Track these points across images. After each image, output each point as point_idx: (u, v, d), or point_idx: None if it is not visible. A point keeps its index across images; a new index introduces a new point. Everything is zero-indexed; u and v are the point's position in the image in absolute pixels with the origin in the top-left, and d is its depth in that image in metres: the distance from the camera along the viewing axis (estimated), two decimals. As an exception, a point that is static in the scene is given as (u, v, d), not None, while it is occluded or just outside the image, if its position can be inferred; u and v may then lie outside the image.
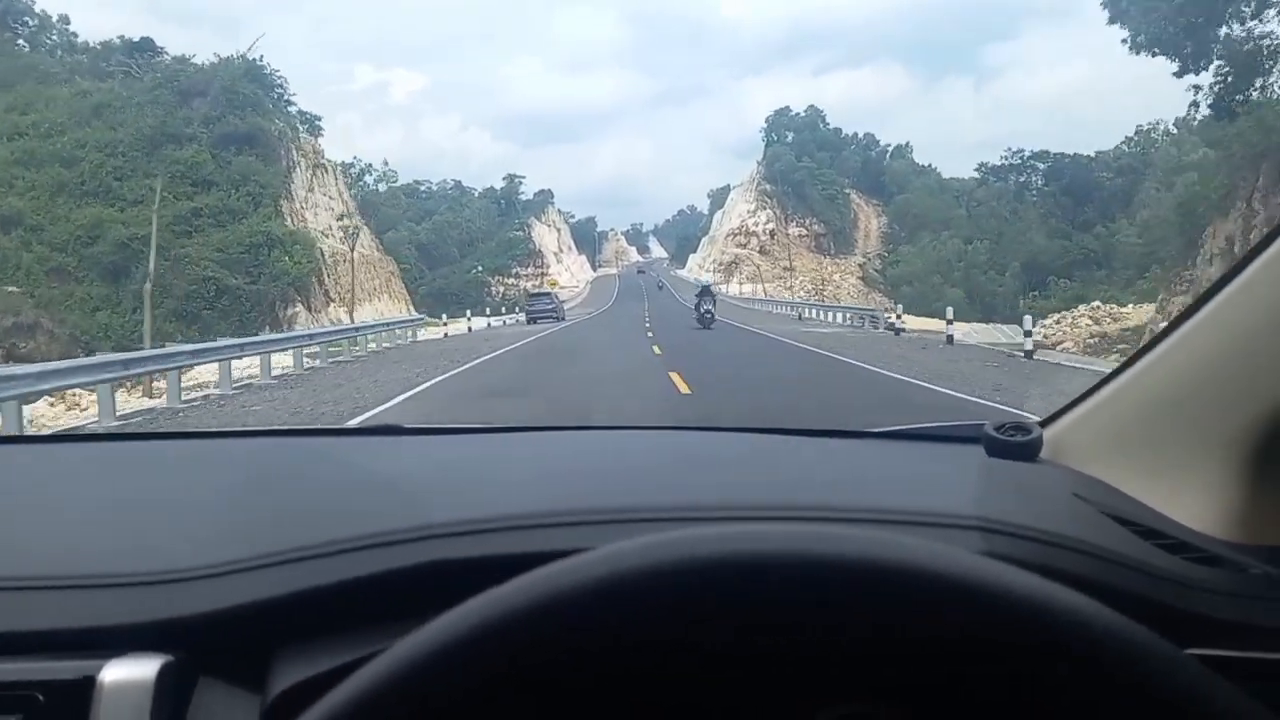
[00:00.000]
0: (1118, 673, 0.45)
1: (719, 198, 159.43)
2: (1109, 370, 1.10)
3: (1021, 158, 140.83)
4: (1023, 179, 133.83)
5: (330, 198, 47.40)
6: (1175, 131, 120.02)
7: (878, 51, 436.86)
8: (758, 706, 0.48)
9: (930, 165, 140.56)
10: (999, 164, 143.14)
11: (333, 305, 38.66)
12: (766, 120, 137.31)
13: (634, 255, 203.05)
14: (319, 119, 69.02)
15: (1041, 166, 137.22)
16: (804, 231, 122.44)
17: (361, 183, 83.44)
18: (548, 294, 53.04)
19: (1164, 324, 0.98)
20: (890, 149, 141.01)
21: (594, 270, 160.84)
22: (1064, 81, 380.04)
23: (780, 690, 0.48)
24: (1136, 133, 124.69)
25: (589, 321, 47.47)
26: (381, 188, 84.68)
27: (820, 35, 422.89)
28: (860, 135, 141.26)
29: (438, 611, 0.46)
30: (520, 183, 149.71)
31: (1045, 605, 0.46)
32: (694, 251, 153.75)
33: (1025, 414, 1.09)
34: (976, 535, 0.82)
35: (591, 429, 1.59)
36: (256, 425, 10.15)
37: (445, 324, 39.24)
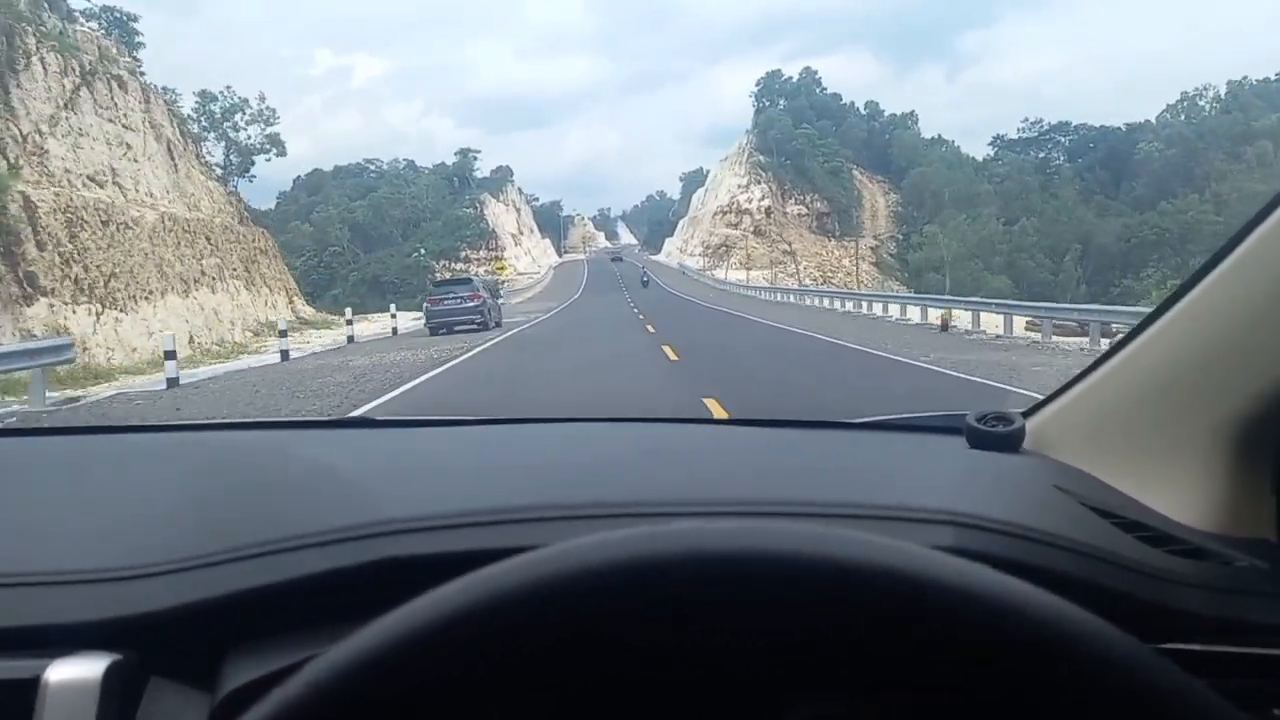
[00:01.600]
0: (1071, 667, 0.44)
1: (692, 181, 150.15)
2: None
3: (1040, 129, 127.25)
4: (1042, 154, 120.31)
5: (128, 127, 29.19)
6: (1226, 97, 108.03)
7: (846, 39, 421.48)
8: (709, 710, 0.47)
9: (939, 136, 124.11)
10: (1015, 137, 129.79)
11: (51, 300, 20.28)
12: (757, 84, 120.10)
13: (602, 241, 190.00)
14: (135, 19, 50.58)
15: (1064, 140, 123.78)
16: (804, 210, 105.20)
17: (228, 124, 63.93)
18: (465, 281, 31.12)
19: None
20: (894, 119, 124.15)
21: (559, 255, 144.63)
22: (1041, 68, 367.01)
23: (733, 691, 0.47)
24: (1181, 99, 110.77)
25: (547, 325, 29.89)
26: (254, 131, 64.45)
27: (790, 21, 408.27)
28: (860, 105, 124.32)
29: (390, 609, 0.46)
30: (475, 158, 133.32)
31: (991, 597, 0.45)
32: (670, 235, 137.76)
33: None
34: (948, 530, 0.80)
35: (561, 421, 1.49)
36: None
37: (350, 324, 27.68)
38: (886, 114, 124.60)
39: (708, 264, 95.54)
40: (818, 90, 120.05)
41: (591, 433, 1.41)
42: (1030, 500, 0.93)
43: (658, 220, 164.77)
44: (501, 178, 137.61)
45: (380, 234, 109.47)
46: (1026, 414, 1.13)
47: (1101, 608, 0.46)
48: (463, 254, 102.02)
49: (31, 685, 0.65)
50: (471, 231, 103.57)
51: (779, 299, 49.34)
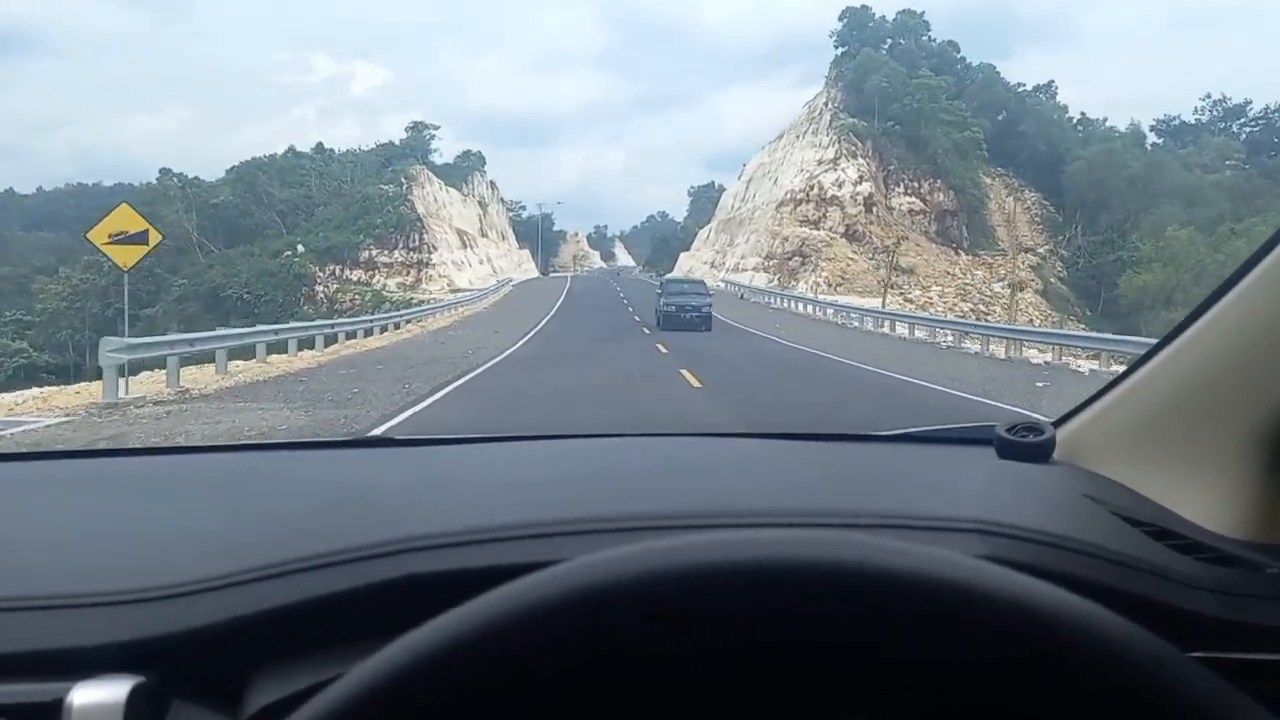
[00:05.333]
0: (1098, 670, 0.43)
1: (702, 196, 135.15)
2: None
3: (1222, 109, 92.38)
4: (1217, 138, 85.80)
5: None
6: None
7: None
8: None
9: (1086, 115, 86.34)
10: (1189, 122, 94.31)
11: None
12: (841, 17, 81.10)
13: (597, 261, 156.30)
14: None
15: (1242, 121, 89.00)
16: (918, 204, 66.88)
17: None
18: None
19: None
20: (1023, 91, 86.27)
21: (543, 272, 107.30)
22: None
23: (763, 707, 0.46)
24: None
25: None
26: None
27: (802, 45, 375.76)
28: (975, 63, 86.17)
29: (414, 626, 0.46)
30: (432, 136, 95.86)
31: (1017, 601, 0.44)
32: (686, 250, 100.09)
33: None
34: (976, 539, 0.80)
35: (583, 437, 1.49)
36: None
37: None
38: (1011, 81, 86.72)
39: (770, 279, 56.87)
40: (924, 37, 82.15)
41: (618, 447, 1.39)
42: (1060, 509, 0.93)
43: (663, 237, 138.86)
44: (468, 166, 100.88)
45: (253, 224, 71.00)
46: (1057, 424, 1.13)
47: (1132, 615, 0.45)
48: (364, 253, 63.08)
49: (55, 709, 0.65)
50: (384, 220, 64.33)
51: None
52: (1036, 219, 73.03)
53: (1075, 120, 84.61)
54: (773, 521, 0.86)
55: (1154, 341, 0.97)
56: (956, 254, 63.25)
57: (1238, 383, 0.86)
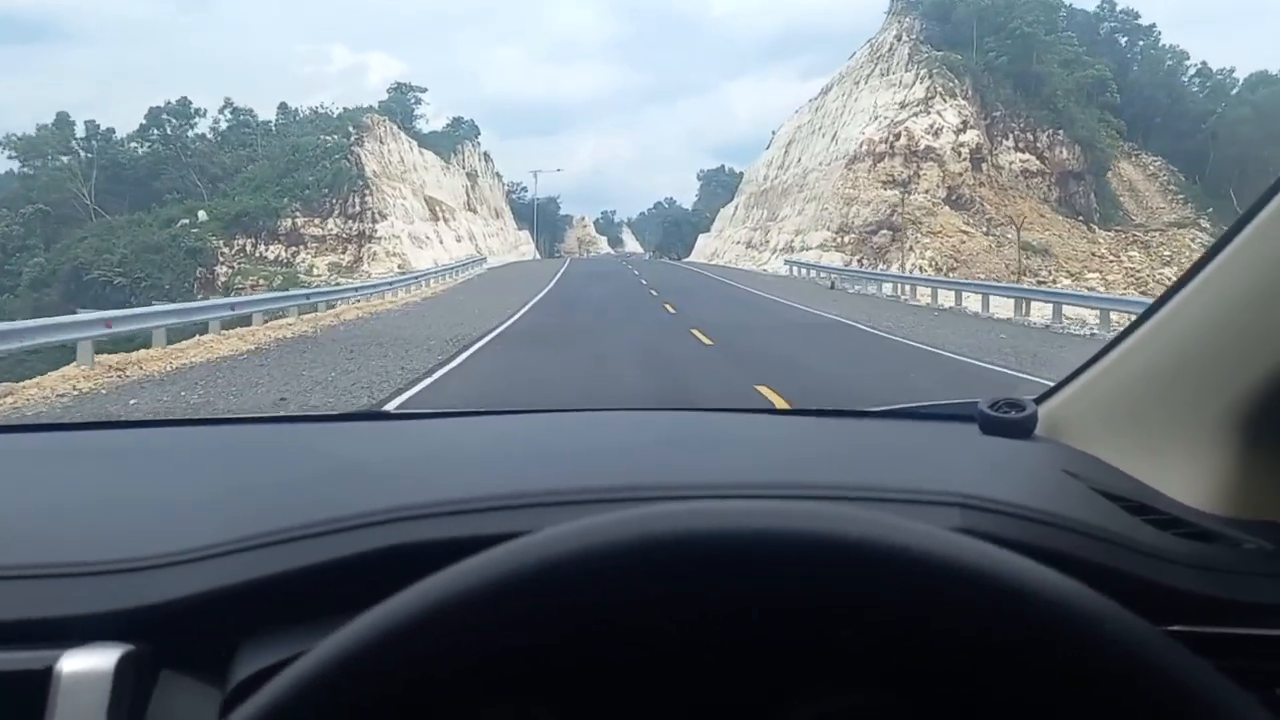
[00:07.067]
0: (1073, 646, 0.44)
1: (712, 180, 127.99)
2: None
3: None
4: None
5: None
6: None
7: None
8: (721, 704, 0.46)
9: (1206, 65, 70.04)
10: None
11: None
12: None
13: (604, 247, 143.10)
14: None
15: None
16: (1034, 162, 50.36)
17: None
18: None
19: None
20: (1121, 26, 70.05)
21: (538, 253, 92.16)
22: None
23: (744, 685, 0.46)
24: None
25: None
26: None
27: (810, 36, 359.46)
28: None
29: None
30: (417, 99, 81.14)
31: (986, 574, 0.44)
32: (705, 232, 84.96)
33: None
34: (955, 512, 0.80)
35: (586, 410, 1.51)
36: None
37: None
38: (1109, 23, 70.42)
39: (849, 261, 40.54)
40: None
41: (615, 421, 1.41)
42: (1038, 484, 0.94)
43: (674, 221, 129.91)
44: (460, 134, 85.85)
45: (168, 189, 55.05)
46: (1039, 400, 1.13)
47: (1107, 589, 0.45)
48: (283, 223, 46.62)
49: (44, 676, 0.65)
50: (316, 178, 47.83)
51: None
52: (1170, 186, 56.90)
53: (1193, 70, 68.53)
54: (753, 494, 0.86)
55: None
56: (1089, 228, 47.04)
57: (1217, 358, 0.86)
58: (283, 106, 70.35)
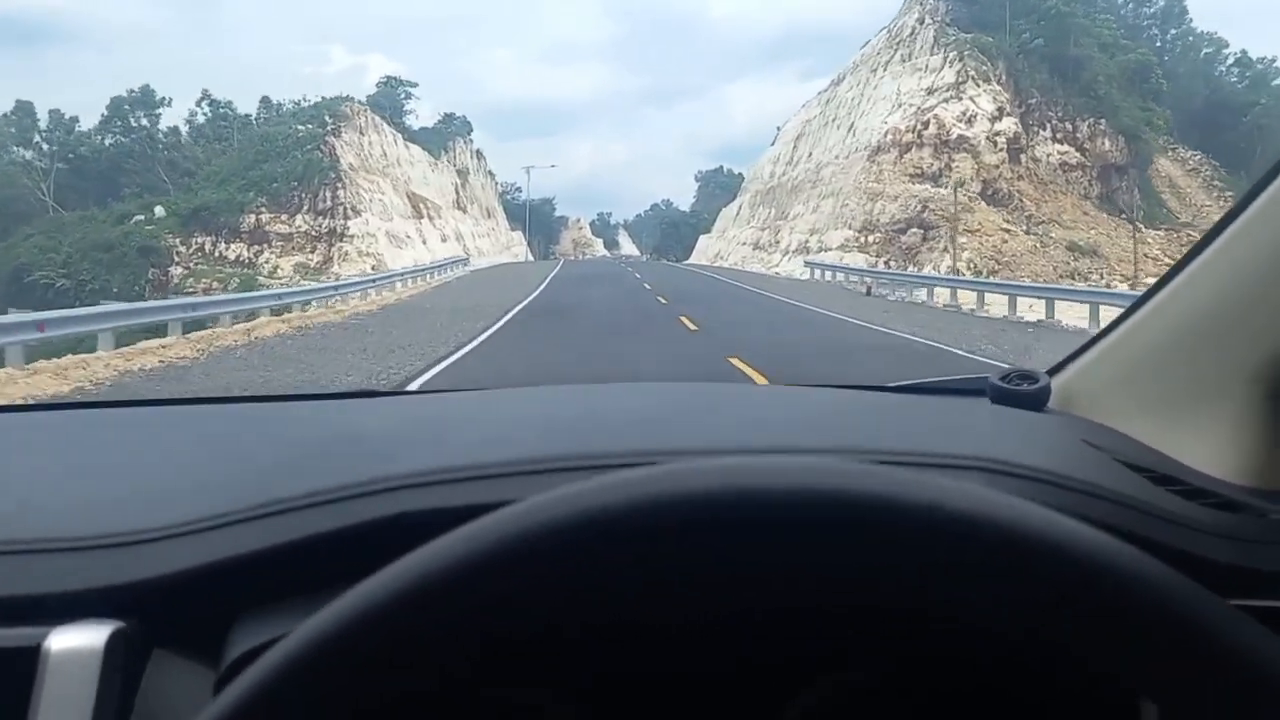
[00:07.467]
0: (1135, 614, 0.42)
1: (710, 181, 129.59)
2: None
3: None
4: None
5: None
6: None
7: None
8: (727, 689, 0.43)
9: (1247, 53, 65.79)
10: None
11: None
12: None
13: (600, 249, 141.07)
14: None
15: None
16: (1073, 154, 45.95)
17: None
18: None
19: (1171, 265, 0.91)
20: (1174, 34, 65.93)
21: (530, 255, 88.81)
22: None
23: (744, 672, 0.43)
24: None
25: None
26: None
27: (810, 38, 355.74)
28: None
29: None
30: (408, 94, 78.27)
31: (1047, 539, 0.42)
32: (705, 233, 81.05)
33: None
34: (977, 475, 0.78)
35: (600, 384, 1.48)
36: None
37: None
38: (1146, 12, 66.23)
39: (875, 262, 36.09)
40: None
41: (627, 392, 1.40)
42: (1059, 452, 0.91)
43: (671, 222, 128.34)
44: (451, 130, 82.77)
45: (130, 181, 50.62)
46: (1052, 372, 1.11)
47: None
48: (247, 219, 41.81)
49: (32, 654, 0.64)
50: (285, 170, 43.30)
51: None
52: (1215, 181, 52.64)
53: (1231, 59, 64.31)
54: (773, 451, 0.84)
55: None
56: (1136, 228, 42.74)
57: (1234, 326, 0.83)
58: (265, 100, 65.98)
